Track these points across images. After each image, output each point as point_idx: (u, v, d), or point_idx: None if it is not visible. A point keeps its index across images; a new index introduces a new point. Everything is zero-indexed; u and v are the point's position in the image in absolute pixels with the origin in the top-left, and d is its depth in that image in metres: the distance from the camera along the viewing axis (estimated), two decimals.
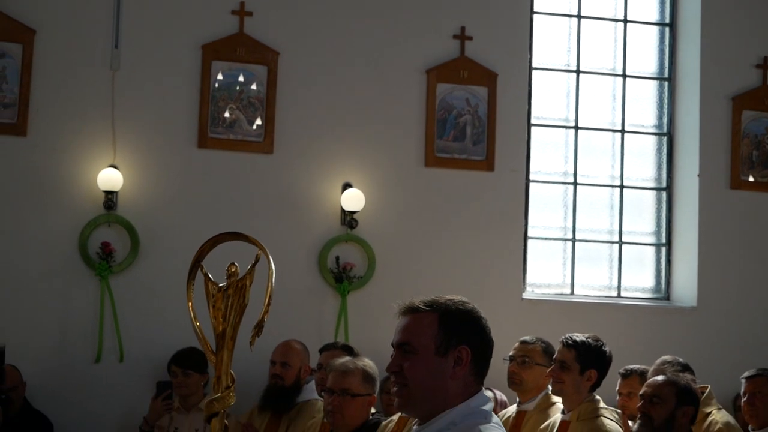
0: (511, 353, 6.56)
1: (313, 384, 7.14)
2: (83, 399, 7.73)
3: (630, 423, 5.99)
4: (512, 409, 6.61)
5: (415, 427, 3.21)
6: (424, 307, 3.15)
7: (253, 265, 2.55)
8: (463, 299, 3.20)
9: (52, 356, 7.72)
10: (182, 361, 7.39)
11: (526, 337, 6.58)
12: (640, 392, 5.47)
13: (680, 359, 6.84)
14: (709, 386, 6.90)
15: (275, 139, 8.17)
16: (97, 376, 7.76)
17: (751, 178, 8.87)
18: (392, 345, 3.21)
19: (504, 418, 6.51)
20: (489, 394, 3.22)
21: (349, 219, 8.15)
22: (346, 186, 8.18)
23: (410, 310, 3.17)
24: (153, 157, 8.00)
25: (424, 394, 3.10)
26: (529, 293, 8.69)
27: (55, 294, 7.77)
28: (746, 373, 6.44)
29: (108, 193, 7.79)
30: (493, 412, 3.19)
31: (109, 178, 7.77)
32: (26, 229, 7.76)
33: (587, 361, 5.72)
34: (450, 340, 3.10)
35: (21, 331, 7.63)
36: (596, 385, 5.80)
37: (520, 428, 6.28)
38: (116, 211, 7.84)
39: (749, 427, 6.40)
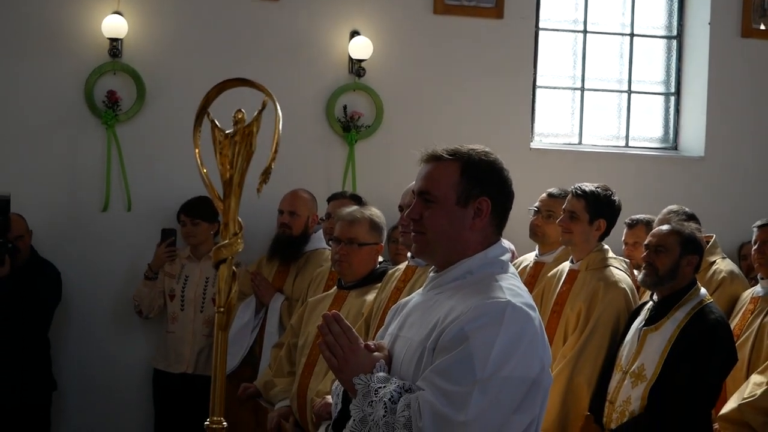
0: (536, 205, 6.56)
1: (320, 233, 7.19)
2: (91, 247, 7.78)
3: (636, 272, 6.04)
4: (530, 258, 6.65)
5: (431, 273, 3.23)
6: (446, 156, 3.13)
7: (260, 112, 2.52)
8: (487, 149, 3.17)
9: (59, 205, 7.75)
10: (191, 210, 7.42)
11: (553, 190, 6.54)
12: (645, 242, 5.49)
13: (686, 209, 6.85)
14: (714, 235, 6.94)
15: None
16: (105, 225, 7.80)
17: (762, 27, 8.70)
18: (413, 192, 3.20)
19: (521, 267, 6.56)
20: (503, 243, 3.22)
21: (356, 67, 8.06)
22: (354, 34, 8.08)
23: (433, 158, 3.15)
24: (157, 3, 7.87)
25: (442, 243, 3.11)
26: (537, 142, 8.67)
27: (62, 143, 7.75)
28: (758, 222, 6.42)
29: (113, 40, 7.68)
30: (510, 263, 3.20)
31: (114, 25, 7.65)
32: (30, 78, 7.69)
33: (596, 211, 5.74)
34: (471, 191, 3.09)
35: (27, 180, 7.63)
36: (605, 234, 5.82)
37: (537, 278, 6.32)
38: (121, 59, 7.76)
39: (758, 276, 6.42)
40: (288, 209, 7.18)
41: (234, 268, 2.57)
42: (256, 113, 2.52)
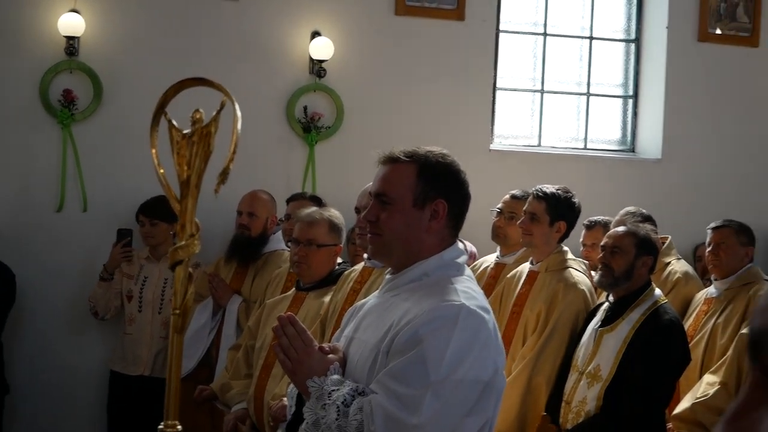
0: (499, 206, 6.58)
1: (279, 234, 7.16)
2: (46, 248, 7.70)
3: (593, 273, 6.08)
4: (491, 260, 6.66)
5: (387, 276, 3.23)
6: (403, 158, 3.13)
7: (218, 112, 2.50)
8: (444, 151, 3.17)
9: (13, 205, 7.65)
10: (149, 210, 7.35)
11: (516, 192, 6.56)
12: (601, 243, 5.54)
13: (643, 210, 6.91)
14: (670, 237, 7.00)
15: None
16: (60, 225, 7.72)
17: (718, 31, 8.80)
18: (369, 194, 3.20)
19: (482, 269, 6.58)
20: (459, 245, 3.23)
21: (317, 68, 8.04)
22: (315, 34, 8.05)
23: (390, 160, 3.15)
24: (115, 1, 7.80)
25: (398, 245, 3.11)
26: (496, 144, 8.69)
27: (17, 142, 7.65)
28: (712, 224, 6.51)
29: (69, 38, 7.61)
30: (466, 265, 3.20)
31: (71, 23, 7.58)
32: None
33: (557, 213, 5.76)
34: (428, 193, 3.09)
35: None
36: (565, 236, 5.85)
37: (497, 280, 6.33)
38: (78, 58, 7.69)
39: (712, 277, 6.50)
40: (247, 210, 7.15)
41: (191, 269, 2.55)
42: (214, 113, 2.50)
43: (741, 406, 1.10)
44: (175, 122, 2.52)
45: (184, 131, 2.51)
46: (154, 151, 2.55)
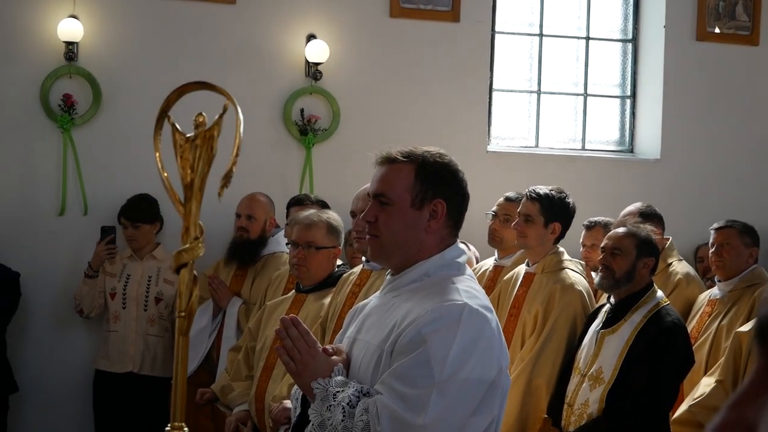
0: (494, 209, 6.57)
1: (279, 236, 7.18)
2: (48, 251, 7.71)
3: (593, 274, 6.07)
4: (489, 263, 6.66)
5: (388, 277, 3.22)
6: (401, 158, 3.11)
7: (221, 115, 2.50)
8: (441, 151, 3.16)
9: (15, 209, 7.66)
10: (130, 213, 7.37)
11: (510, 194, 6.55)
12: (601, 245, 5.51)
13: (654, 209, 6.86)
14: (671, 238, 6.98)
15: None
16: (62, 229, 7.73)
17: (717, 30, 8.79)
18: (368, 194, 3.20)
19: (480, 272, 6.57)
20: (463, 248, 3.22)
21: (313, 71, 8.05)
22: (311, 37, 8.06)
23: (387, 161, 3.14)
24: (113, 6, 7.83)
25: (398, 246, 3.10)
26: (494, 145, 8.69)
27: (17, 147, 7.68)
28: (715, 225, 6.46)
29: (68, 43, 7.64)
30: (467, 264, 3.19)
31: (70, 28, 7.60)
32: None
33: (551, 214, 5.74)
34: (426, 193, 3.08)
35: None
36: (560, 237, 5.84)
37: (496, 282, 6.32)
38: (77, 63, 7.71)
39: (716, 279, 6.46)
40: (245, 213, 7.16)
41: (194, 272, 2.55)
42: (216, 117, 2.50)
43: (746, 391, 1.11)
44: (178, 126, 2.53)
45: (188, 135, 2.51)
46: (157, 154, 2.55)
